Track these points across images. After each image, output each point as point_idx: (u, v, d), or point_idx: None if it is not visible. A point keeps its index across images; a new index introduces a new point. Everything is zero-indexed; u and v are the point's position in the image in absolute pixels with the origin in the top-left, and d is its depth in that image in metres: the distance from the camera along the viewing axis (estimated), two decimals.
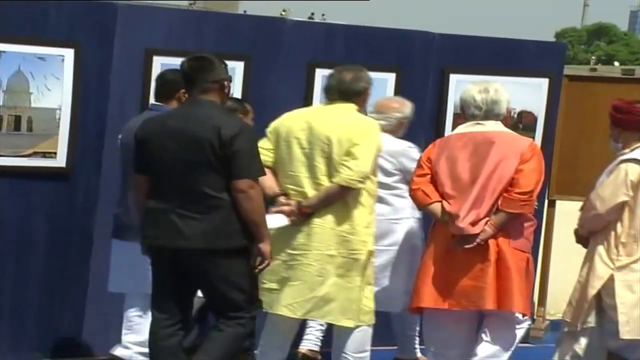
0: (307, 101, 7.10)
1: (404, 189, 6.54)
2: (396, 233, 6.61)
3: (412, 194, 6.11)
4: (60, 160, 6.59)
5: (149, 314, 5.68)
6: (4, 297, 6.59)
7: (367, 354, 5.95)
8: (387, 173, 6.55)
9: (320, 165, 5.77)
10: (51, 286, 6.68)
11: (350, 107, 5.91)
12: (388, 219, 6.57)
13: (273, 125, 5.95)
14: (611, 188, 6.05)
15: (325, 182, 5.76)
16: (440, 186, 6.00)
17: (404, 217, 6.62)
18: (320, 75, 7.08)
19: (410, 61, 7.37)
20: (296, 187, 5.80)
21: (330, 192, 5.74)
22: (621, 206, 6.03)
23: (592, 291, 6.06)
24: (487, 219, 5.91)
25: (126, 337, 6.28)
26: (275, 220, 5.69)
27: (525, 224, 6.03)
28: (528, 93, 7.46)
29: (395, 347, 7.00)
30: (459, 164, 5.98)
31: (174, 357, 5.42)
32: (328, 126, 5.79)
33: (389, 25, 8.29)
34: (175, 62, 6.72)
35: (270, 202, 5.74)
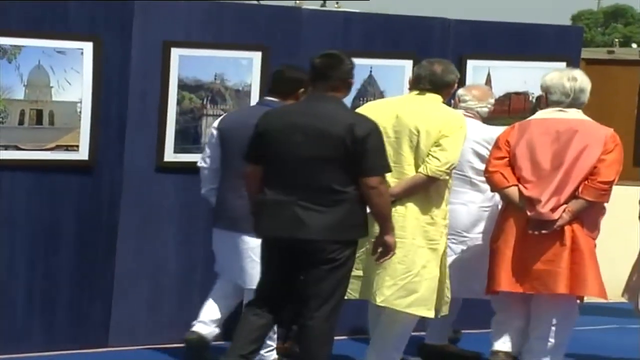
0: None
1: None
2: (486, 221, 6.61)
3: (489, 176, 6.19)
4: (82, 153, 6.64)
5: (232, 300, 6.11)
6: (35, 290, 6.64)
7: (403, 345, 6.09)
8: (483, 159, 6.52)
9: (407, 155, 5.87)
10: (78, 279, 6.73)
11: (437, 99, 6.01)
12: (480, 207, 6.65)
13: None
14: None
15: (410, 171, 5.86)
16: (517, 170, 6.09)
17: (492, 204, 6.62)
18: None
19: (427, 48, 7.38)
20: None
21: (416, 181, 5.84)
22: None
23: None
24: (565, 205, 6.03)
25: (205, 315, 6.43)
26: None
27: (600, 212, 6.18)
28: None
29: (423, 333, 6.99)
30: (539, 150, 6.07)
31: (265, 333, 5.60)
32: (417, 117, 5.89)
33: (403, 12, 8.29)
34: (194, 53, 6.82)
35: None
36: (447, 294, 6.03)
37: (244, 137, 5.69)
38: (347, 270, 5.50)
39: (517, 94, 7.66)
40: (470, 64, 7.51)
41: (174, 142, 6.85)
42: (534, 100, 7.27)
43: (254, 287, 5.80)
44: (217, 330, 6.42)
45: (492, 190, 6.36)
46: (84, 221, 6.72)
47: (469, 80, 7.46)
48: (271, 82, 6.28)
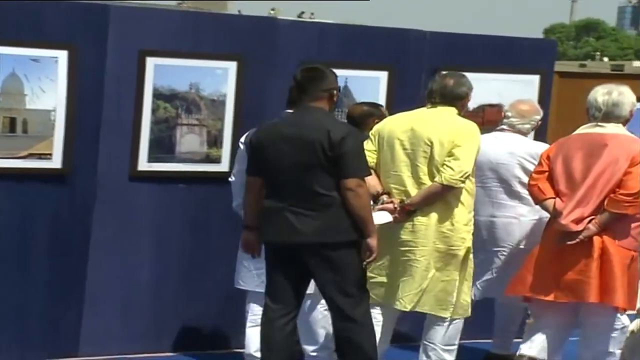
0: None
1: None
2: (536, 233, 6.73)
3: (529, 189, 6.49)
4: (56, 162, 6.61)
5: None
6: (8, 299, 6.61)
7: (456, 347, 6.24)
8: (530, 173, 6.70)
9: (422, 165, 6.09)
10: (50, 288, 6.70)
11: (451, 111, 6.22)
12: (531, 220, 6.84)
13: (376, 128, 6.26)
14: None
15: (427, 181, 6.09)
16: (555, 184, 6.33)
17: (542, 217, 6.74)
18: None
19: (403, 59, 7.41)
20: (399, 187, 6.14)
21: (432, 190, 6.06)
22: None
23: None
24: (591, 217, 6.21)
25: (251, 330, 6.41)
26: (380, 217, 5.96)
27: (633, 224, 6.27)
28: (520, 90, 7.48)
29: (490, 341, 7.17)
30: (574, 164, 6.29)
31: (288, 343, 5.77)
32: (430, 129, 6.11)
33: (379, 24, 8.33)
34: (169, 62, 6.81)
35: (373, 200, 6.02)
36: (465, 297, 6.20)
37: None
38: (354, 266, 5.68)
39: (491, 105, 7.69)
40: None
41: (148, 151, 6.84)
42: (505, 113, 7.29)
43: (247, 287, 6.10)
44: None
45: (534, 203, 6.59)
46: (57, 230, 6.69)
47: None
48: (290, 95, 6.30)
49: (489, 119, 7.65)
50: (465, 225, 6.15)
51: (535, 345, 6.44)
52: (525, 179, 6.74)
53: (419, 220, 6.09)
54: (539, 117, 7.04)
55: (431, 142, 6.09)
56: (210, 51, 6.91)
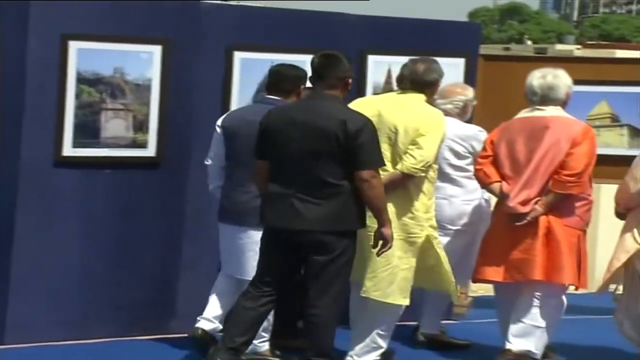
0: (226, 84, 7.09)
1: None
2: (469, 214, 6.95)
3: (475, 174, 6.63)
4: None
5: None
6: None
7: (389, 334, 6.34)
8: (459, 156, 6.92)
9: (386, 151, 6.07)
10: None
11: (420, 98, 6.26)
12: (462, 200, 6.95)
13: None
14: None
15: (389, 167, 6.09)
16: (500, 167, 6.47)
17: (476, 197, 6.96)
18: (239, 58, 7.10)
19: (328, 43, 7.37)
20: None
21: (393, 178, 6.08)
22: None
23: (616, 263, 6.51)
24: (537, 198, 6.35)
25: (209, 312, 6.53)
26: None
27: (578, 203, 6.43)
28: (446, 73, 7.51)
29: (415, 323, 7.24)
30: (517, 147, 6.43)
31: (255, 324, 5.88)
32: (396, 115, 6.14)
33: (306, 8, 8.32)
34: (92, 46, 6.73)
35: None
36: (451, 277, 6.34)
37: (247, 134, 6.06)
38: (346, 260, 5.77)
39: None
40: (371, 59, 7.55)
41: (73, 136, 6.76)
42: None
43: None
44: (220, 326, 6.51)
45: (480, 187, 6.72)
46: None
47: (369, 76, 7.53)
48: (270, 82, 6.45)
49: None
50: (425, 213, 6.22)
51: (503, 327, 6.57)
52: (455, 161, 6.86)
53: None
54: (463, 98, 7.09)
55: (396, 129, 6.12)
56: (135, 35, 6.85)
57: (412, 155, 6.08)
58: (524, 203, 6.36)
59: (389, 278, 6.15)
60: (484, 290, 7.93)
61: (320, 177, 5.67)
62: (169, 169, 7.00)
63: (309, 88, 6.10)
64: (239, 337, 5.85)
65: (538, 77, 6.50)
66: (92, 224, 6.88)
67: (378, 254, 5.88)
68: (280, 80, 6.40)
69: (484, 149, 6.61)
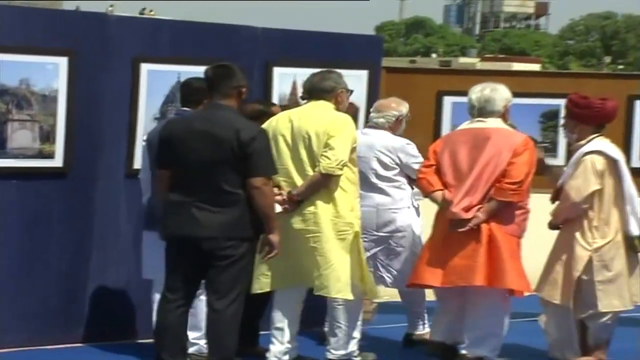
0: (133, 96, 7.15)
1: (402, 181, 7.23)
2: (396, 221, 7.22)
3: (418, 183, 6.85)
4: None
5: None
6: None
7: (360, 324, 6.65)
8: (386, 167, 7.21)
9: (304, 157, 6.46)
10: None
11: (325, 105, 6.59)
12: (389, 209, 7.22)
13: (263, 126, 6.40)
14: (582, 178, 6.70)
15: (310, 172, 6.45)
16: (443, 176, 6.69)
17: (403, 206, 7.24)
18: (146, 70, 7.16)
19: (235, 55, 7.48)
20: (287, 179, 6.47)
21: (314, 180, 6.43)
22: (593, 194, 6.67)
23: (576, 274, 6.71)
24: (479, 206, 6.56)
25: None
26: None
27: (517, 212, 6.65)
28: (350, 85, 7.65)
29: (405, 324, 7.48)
30: (460, 157, 6.66)
31: (179, 334, 5.96)
32: (307, 122, 6.49)
33: (219, 21, 8.40)
34: (0, 58, 6.72)
35: None
36: (362, 280, 6.56)
37: None
38: (244, 265, 5.90)
39: None
40: (277, 71, 7.66)
41: None
42: None
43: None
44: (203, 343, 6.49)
45: (423, 195, 6.94)
46: None
47: (275, 87, 7.65)
48: (181, 94, 6.65)
49: None
50: (351, 211, 6.50)
51: (442, 330, 6.78)
52: (382, 172, 7.15)
53: (308, 209, 6.43)
54: (396, 113, 7.30)
55: (309, 135, 6.45)
56: (41, 46, 6.87)
57: (327, 157, 6.39)
58: (467, 209, 6.57)
59: (334, 275, 6.43)
60: (388, 296, 8.09)
61: (218, 185, 5.80)
62: (76, 179, 7.03)
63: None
64: (179, 353, 5.96)
65: (476, 91, 6.76)
66: (1, 235, 6.86)
67: (262, 259, 6.04)
68: (189, 92, 6.56)
69: (427, 158, 6.82)
